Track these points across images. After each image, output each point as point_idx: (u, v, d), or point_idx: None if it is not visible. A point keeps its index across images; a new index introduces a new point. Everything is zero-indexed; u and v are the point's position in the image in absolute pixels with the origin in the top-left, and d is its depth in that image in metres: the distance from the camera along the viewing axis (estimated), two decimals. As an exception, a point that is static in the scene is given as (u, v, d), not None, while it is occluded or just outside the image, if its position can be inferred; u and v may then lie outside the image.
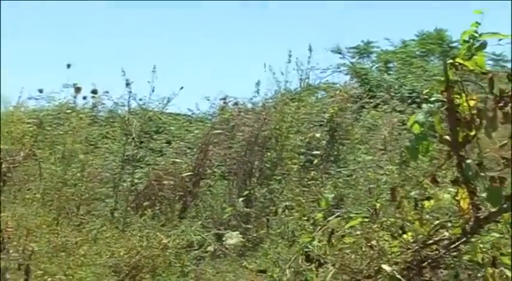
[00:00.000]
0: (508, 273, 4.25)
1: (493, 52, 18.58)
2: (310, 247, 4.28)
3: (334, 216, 4.42)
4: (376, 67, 18.87)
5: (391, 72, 18.56)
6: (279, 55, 14.23)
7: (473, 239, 4.36)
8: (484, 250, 4.38)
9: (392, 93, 14.82)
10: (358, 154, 10.52)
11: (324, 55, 19.73)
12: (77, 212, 9.28)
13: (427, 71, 16.71)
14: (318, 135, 10.95)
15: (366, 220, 4.29)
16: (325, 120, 11.07)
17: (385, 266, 4.07)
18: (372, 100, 12.72)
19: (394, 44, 19.85)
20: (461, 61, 3.87)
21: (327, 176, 9.76)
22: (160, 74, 10.80)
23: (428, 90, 4.03)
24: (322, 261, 4.19)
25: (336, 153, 10.91)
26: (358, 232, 4.27)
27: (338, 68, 17.47)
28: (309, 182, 9.25)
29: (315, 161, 10.44)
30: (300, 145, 11.01)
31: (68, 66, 10.81)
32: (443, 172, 4.33)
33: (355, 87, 13.10)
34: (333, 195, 5.08)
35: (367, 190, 8.11)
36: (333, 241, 4.27)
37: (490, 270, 4.33)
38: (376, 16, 25.60)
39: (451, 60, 3.90)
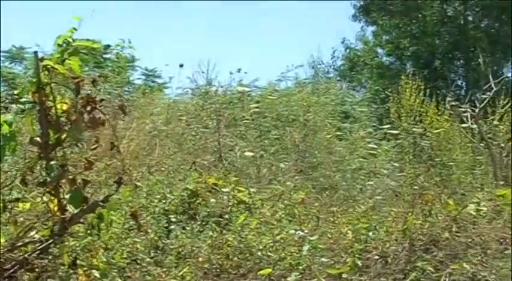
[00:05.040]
0: (97, 274, 4.39)
1: (145, 67, 19.29)
2: None
3: None
4: (25, 72, 18.40)
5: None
6: None
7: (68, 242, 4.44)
8: (77, 251, 4.48)
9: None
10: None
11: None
12: None
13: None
14: None
15: None
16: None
17: None
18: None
19: (46, 52, 19.53)
20: (53, 64, 3.92)
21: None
22: None
23: (19, 91, 4.01)
24: None
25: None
26: None
27: (-15, 70, 16.72)
28: None
29: None
30: None
31: None
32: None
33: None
34: None
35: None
36: None
37: (81, 271, 4.43)
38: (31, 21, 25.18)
39: (43, 63, 3.93)
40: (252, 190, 7.46)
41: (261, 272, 5.55)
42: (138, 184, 6.56)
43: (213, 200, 6.78)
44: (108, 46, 16.00)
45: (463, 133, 11.08)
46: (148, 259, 5.39)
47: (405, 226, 6.06)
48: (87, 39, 4.02)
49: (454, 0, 23.72)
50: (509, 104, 10.69)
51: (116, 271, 4.57)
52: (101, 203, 3.81)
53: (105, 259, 4.43)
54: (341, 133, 12.14)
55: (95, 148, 4.00)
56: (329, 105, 12.88)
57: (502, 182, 8.59)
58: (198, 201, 6.90)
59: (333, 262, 5.76)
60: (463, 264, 5.46)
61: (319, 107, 12.18)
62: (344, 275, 5.48)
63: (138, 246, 5.64)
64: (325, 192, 8.62)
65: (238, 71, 11.78)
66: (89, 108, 3.85)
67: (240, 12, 30.84)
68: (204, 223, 6.43)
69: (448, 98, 11.51)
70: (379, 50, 24.80)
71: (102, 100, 3.88)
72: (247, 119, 11.18)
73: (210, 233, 6.06)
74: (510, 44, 21.55)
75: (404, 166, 10.48)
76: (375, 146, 11.45)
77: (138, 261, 5.39)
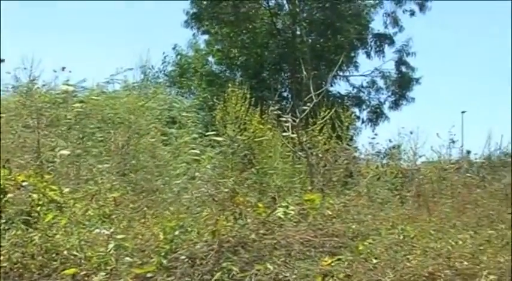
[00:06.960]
0: None
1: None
2: None
3: None
4: None
5: None
6: None
7: None
8: None
9: None
10: None
11: None
12: None
13: None
14: None
15: None
16: None
17: None
18: None
19: None
20: None
21: None
22: None
23: None
24: None
25: None
26: None
27: None
28: None
29: None
30: None
31: None
32: None
33: None
34: None
35: None
36: None
37: None
38: None
39: None
40: (66, 189, 7.29)
41: (66, 271, 5.44)
42: None
43: (10, 195, 6.53)
44: None
45: (284, 142, 11.39)
46: None
47: (215, 228, 6.16)
48: None
49: (283, 14, 24.53)
50: (328, 115, 11.10)
51: None
52: None
53: None
54: (166, 138, 12.12)
55: None
56: (156, 110, 12.83)
57: (310, 188, 8.93)
58: (5, 199, 6.64)
59: (141, 262, 5.75)
60: (267, 265, 5.62)
61: (145, 110, 12.09)
62: (150, 275, 5.48)
63: None
64: (142, 194, 8.58)
65: (63, 69, 11.45)
66: None
67: (73, 11, 30.07)
68: (10, 222, 6.19)
69: (271, 108, 11.82)
70: (210, 59, 25.12)
71: None
72: (70, 119, 10.92)
73: (15, 232, 5.85)
74: (333, 59, 22.58)
75: (226, 172, 10.64)
76: (199, 152, 11.53)
77: None
